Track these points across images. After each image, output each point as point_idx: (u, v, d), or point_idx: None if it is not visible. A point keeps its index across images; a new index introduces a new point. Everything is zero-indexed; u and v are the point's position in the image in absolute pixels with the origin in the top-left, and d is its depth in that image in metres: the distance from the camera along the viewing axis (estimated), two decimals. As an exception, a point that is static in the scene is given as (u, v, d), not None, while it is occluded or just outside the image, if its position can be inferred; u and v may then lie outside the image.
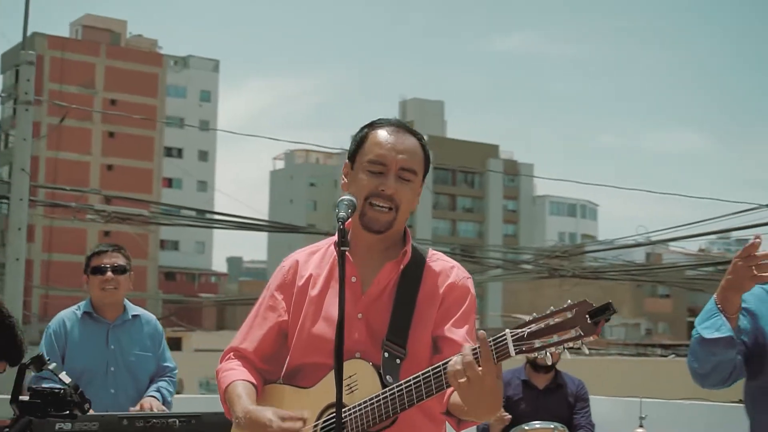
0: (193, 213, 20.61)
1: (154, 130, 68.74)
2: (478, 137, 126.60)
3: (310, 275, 3.06)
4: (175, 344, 39.42)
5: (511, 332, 2.54)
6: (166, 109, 72.05)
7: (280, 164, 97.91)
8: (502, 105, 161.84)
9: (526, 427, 6.06)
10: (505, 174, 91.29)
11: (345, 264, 2.68)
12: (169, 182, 77.53)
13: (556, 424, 6.10)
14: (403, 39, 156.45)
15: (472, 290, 3.06)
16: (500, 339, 2.55)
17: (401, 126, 3.07)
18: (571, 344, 2.46)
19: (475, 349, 2.57)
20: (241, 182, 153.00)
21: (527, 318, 2.54)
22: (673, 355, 45.39)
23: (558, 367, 6.86)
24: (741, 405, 3.41)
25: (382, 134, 3.01)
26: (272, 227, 20.41)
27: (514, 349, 2.52)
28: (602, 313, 2.44)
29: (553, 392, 6.75)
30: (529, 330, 2.51)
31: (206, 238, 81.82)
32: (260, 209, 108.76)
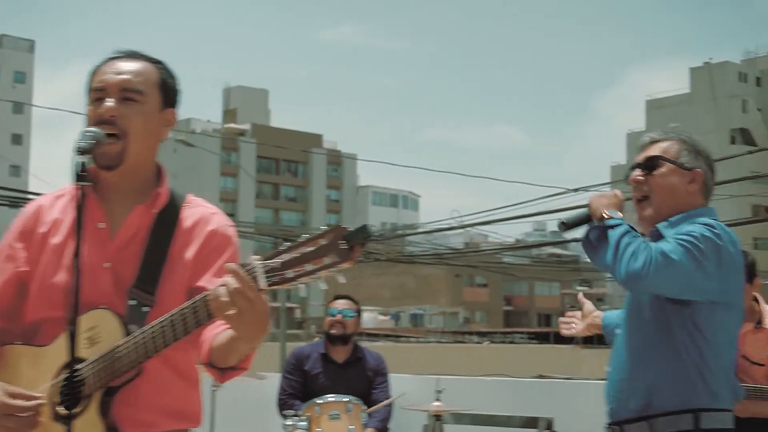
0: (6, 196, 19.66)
1: (-38, 111, 65.61)
2: (303, 127, 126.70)
3: (54, 220, 2.75)
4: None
5: (262, 264, 2.31)
6: (-24, 90, 68.84)
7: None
8: (328, 95, 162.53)
9: (319, 401, 5.93)
10: (329, 164, 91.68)
11: (84, 202, 2.46)
12: (-21, 166, 74.24)
13: (351, 397, 6.00)
14: (228, 25, 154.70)
15: (235, 239, 2.83)
16: (249, 270, 2.32)
17: (134, 53, 2.79)
18: (326, 272, 2.26)
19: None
20: (57, 167, 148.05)
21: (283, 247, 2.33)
22: (488, 342, 46.80)
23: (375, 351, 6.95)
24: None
25: (107, 62, 2.75)
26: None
27: (266, 281, 2.30)
28: (357, 236, 2.26)
29: (352, 366, 6.69)
30: (281, 260, 2.29)
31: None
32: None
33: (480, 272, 61.64)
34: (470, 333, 55.25)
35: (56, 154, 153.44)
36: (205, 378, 6.18)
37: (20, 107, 74.61)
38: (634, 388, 3.23)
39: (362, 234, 2.27)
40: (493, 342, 45.72)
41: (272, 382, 6.94)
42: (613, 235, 3.13)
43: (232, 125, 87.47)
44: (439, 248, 22.79)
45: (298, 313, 64.92)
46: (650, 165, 3.38)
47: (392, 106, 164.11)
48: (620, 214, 3.22)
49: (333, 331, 6.63)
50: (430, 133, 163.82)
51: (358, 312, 6.83)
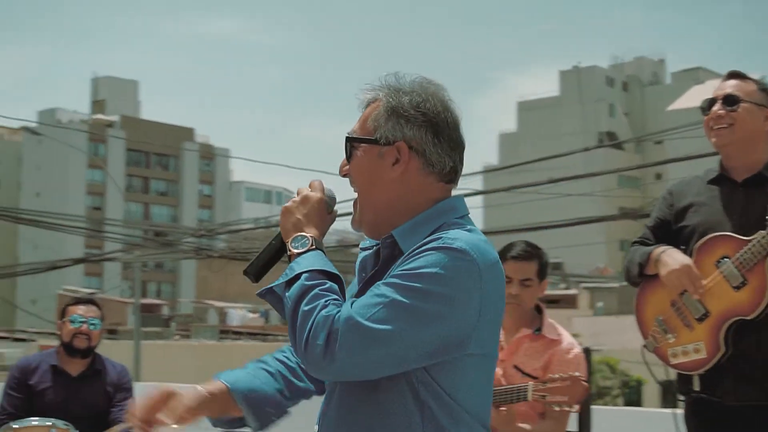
0: None
1: None
2: (175, 120, 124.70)
3: None
4: None
5: None
6: None
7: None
8: (201, 89, 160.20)
9: (15, 425, 5.01)
10: (201, 158, 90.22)
11: None
12: None
13: (56, 420, 5.07)
14: (98, 14, 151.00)
15: None
16: None
17: None
18: None
19: None
20: None
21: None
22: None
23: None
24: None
25: None
26: None
27: None
28: None
29: (89, 380, 5.67)
30: None
31: None
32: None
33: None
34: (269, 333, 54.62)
35: None
36: None
37: None
38: None
39: None
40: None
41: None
42: (288, 300, 2.18)
43: (101, 116, 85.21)
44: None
45: (165, 310, 63.52)
46: (349, 148, 2.36)
47: (267, 101, 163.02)
48: (309, 240, 2.26)
49: (77, 344, 5.58)
50: (304, 131, 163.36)
51: (103, 318, 5.74)
